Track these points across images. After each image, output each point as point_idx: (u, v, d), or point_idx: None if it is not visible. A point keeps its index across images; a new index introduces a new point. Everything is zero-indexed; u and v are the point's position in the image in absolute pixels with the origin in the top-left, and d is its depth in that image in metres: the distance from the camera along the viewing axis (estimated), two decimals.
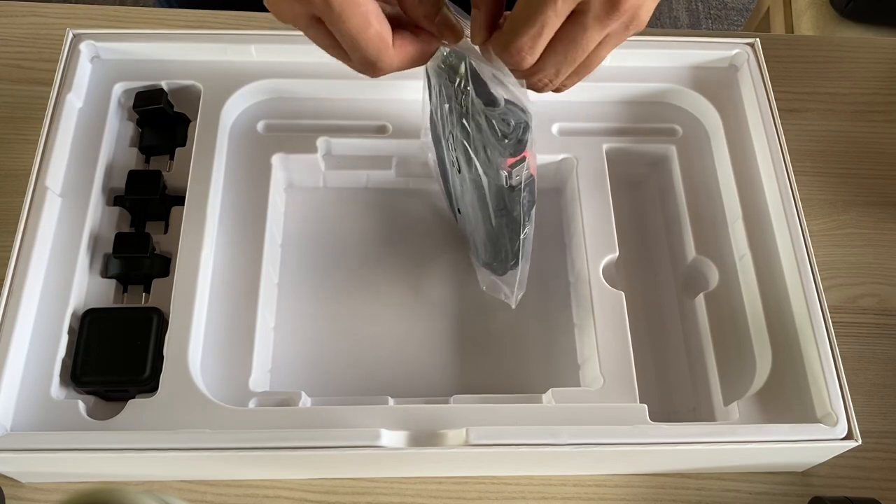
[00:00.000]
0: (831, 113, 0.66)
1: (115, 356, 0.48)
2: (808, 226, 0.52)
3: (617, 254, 0.53)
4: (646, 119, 0.59)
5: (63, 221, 0.51)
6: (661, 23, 1.69)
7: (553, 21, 0.37)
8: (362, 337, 0.55)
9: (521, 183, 0.46)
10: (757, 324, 0.51)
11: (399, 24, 0.40)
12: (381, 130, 0.57)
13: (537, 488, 0.51)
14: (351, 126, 0.57)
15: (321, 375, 0.53)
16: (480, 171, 0.46)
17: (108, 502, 0.29)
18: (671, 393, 0.53)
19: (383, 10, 0.38)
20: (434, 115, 0.49)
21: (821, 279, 0.50)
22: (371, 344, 0.54)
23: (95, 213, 0.52)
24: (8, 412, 0.45)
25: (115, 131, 0.56)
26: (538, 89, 0.42)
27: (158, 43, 0.57)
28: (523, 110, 0.43)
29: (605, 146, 0.57)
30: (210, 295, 0.51)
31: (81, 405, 0.46)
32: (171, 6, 0.73)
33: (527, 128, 0.44)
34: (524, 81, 0.42)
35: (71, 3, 0.79)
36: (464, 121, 0.45)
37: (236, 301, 0.51)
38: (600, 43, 0.39)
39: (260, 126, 0.57)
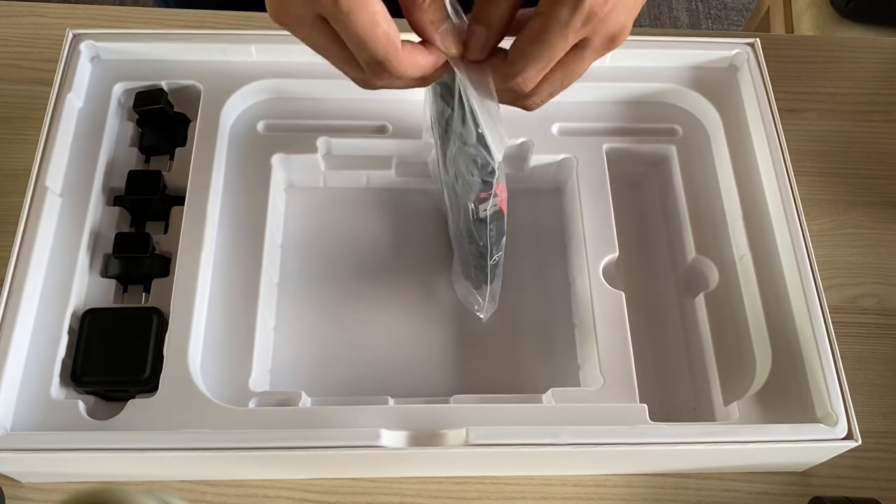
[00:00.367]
0: (831, 113, 0.66)
1: (115, 356, 0.48)
2: (808, 226, 0.52)
3: (617, 254, 0.53)
4: (646, 119, 0.59)
5: (63, 221, 0.51)
6: (661, 23, 1.69)
7: (560, 55, 0.38)
8: (362, 337, 0.55)
9: (487, 217, 0.47)
10: (757, 324, 0.51)
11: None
12: (381, 130, 0.57)
13: (537, 488, 0.51)
14: (351, 126, 0.57)
15: (321, 375, 0.53)
16: (455, 197, 0.47)
17: (108, 502, 0.29)
18: (671, 393, 0.53)
19: None
20: (432, 128, 0.49)
21: (821, 279, 0.50)
22: (371, 344, 0.54)
23: (95, 213, 0.52)
24: (8, 412, 0.45)
25: (115, 131, 0.56)
26: (527, 108, 0.42)
27: (158, 43, 0.57)
28: (491, 154, 0.43)
29: (605, 146, 0.57)
30: (210, 295, 0.51)
31: (81, 405, 0.46)
32: (170, 6, 0.73)
33: (492, 172, 0.44)
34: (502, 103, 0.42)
35: (71, 3, 0.79)
36: (448, 144, 0.45)
37: (236, 301, 0.51)
38: None
39: (260, 126, 0.57)
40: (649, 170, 0.60)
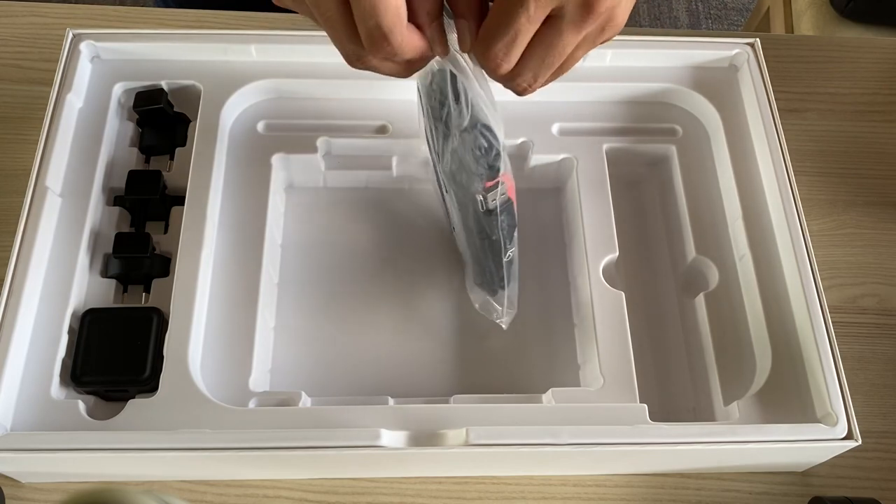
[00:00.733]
0: (831, 113, 0.66)
1: (115, 356, 0.48)
2: (808, 226, 0.52)
3: (617, 254, 0.53)
4: (646, 119, 0.59)
5: (63, 221, 0.51)
6: (661, 23, 1.69)
7: (527, 27, 0.38)
8: (362, 337, 0.55)
9: (497, 207, 0.46)
10: (757, 323, 0.51)
11: None
12: (381, 130, 0.57)
13: (537, 488, 0.51)
14: (351, 126, 0.57)
15: (321, 375, 0.53)
16: (462, 193, 0.47)
17: (108, 502, 0.29)
18: (671, 393, 0.53)
19: None
20: (427, 133, 0.49)
21: (821, 279, 0.50)
22: (371, 344, 0.54)
23: (95, 213, 0.52)
24: (8, 412, 0.45)
25: (115, 131, 0.56)
26: (519, 93, 0.42)
27: (158, 43, 0.57)
28: (496, 136, 0.43)
29: (605, 146, 0.57)
30: (210, 295, 0.51)
31: (81, 405, 0.46)
32: (170, 6, 0.73)
33: (497, 155, 0.44)
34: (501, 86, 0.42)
35: (71, 3, 0.79)
36: (447, 142, 0.45)
37: (236, 301, 0.51)
38: (577, 45, 0.39)
39: (260, 126, 0.57)
40: (649, 170, 0.60)
